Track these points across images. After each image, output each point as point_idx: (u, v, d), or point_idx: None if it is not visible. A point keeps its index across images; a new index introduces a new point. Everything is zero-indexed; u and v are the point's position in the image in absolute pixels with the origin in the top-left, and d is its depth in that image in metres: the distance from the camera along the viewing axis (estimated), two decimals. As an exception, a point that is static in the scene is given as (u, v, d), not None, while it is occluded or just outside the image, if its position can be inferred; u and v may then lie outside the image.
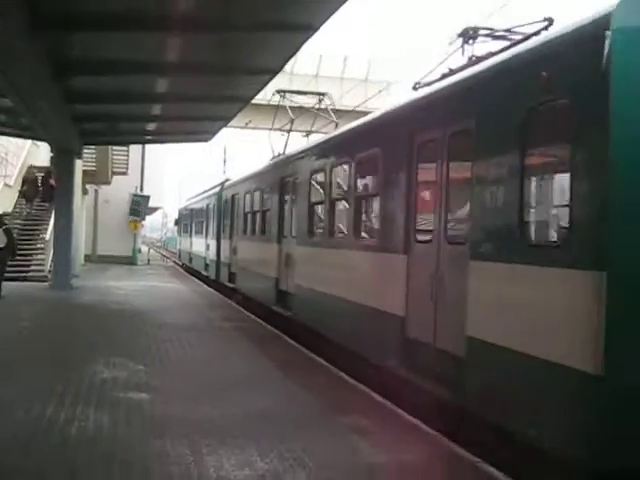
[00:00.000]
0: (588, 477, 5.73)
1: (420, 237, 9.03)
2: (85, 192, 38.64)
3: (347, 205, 12.12)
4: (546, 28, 7.94)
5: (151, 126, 22.77)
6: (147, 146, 47.33)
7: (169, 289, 26.07)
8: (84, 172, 34.78)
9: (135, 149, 42.00)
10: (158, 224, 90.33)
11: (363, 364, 10.58)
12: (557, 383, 5.94)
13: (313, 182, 14.40)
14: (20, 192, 31.96)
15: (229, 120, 22.16)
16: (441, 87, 9.12)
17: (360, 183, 11.83)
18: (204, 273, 30.88)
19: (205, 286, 28.49)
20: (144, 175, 47.58)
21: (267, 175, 19.24)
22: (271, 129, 24.87)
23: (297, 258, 15.28)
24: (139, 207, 43.87)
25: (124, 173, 40.70)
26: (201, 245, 32.21)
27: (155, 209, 61.84)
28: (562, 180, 6.56)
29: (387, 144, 10.29)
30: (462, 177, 8.23)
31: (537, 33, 7.99)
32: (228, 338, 14.25)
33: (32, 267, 27.21)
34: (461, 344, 7.47)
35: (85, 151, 33.55)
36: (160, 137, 25.78)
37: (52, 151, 24.22)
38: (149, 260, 47.36)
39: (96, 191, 42.76)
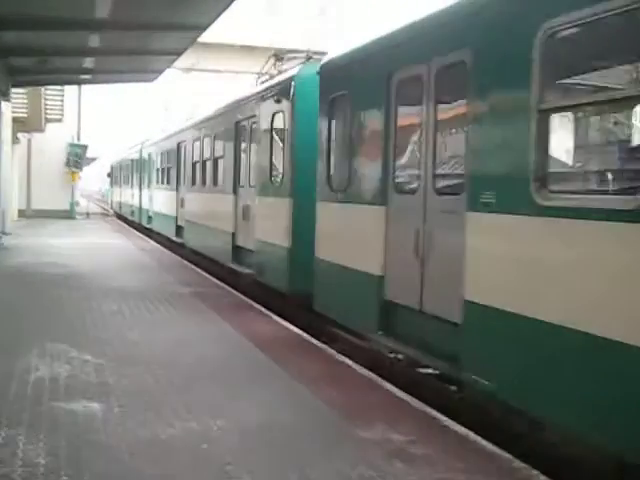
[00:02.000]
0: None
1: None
2: (16, 141, 35.40)
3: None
4: None
5: (88, 62, 19.89)
6: (84, 92, 44.19)
7: (113, 246, 23.44)
8: (14, 119, 31.58)
9: (71, 94, 38.77)
10: (96, 175, 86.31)
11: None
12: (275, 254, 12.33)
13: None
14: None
15: (177, 55, 19.43)
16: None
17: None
18: (144, 224, 30.52)
19: (152, 242, 25.97)
20: (81, 123, 44.29)
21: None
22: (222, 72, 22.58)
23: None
24: (76, 157, 40.65)
25: (59, 120, 37.53)
26: (139, 197, 32.43)
27: (93, 159, 58.41)
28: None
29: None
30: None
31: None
32: (189, 308, 11.89)
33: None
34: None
35: (15, 95, 30.46)
36: (99, 76, 22.83)
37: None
38: (88, 214, 44.29)
39: (29, 140, 39.48)
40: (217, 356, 8.64)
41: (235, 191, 15.43)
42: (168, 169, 24.34)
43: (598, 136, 7.66)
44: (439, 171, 7.55)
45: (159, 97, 59.71)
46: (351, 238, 9.39)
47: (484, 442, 5.99)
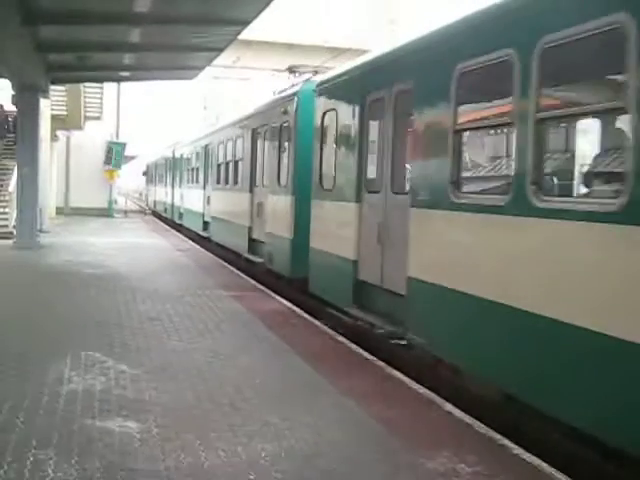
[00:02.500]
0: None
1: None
2: (55, 139, 35.33)
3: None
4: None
5: (128, 58, 19.48)
6: (123, 91, 44.06)
7: (150, 246, 23.05)
8: (54, 117, 31.58)
9: (110, 92, 38.66)
10: (135, 173, 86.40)
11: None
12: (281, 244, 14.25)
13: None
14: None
15: (218, 52, 18.92)
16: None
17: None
18: (176, 220, 32.15)
19: (190, 242, 25.56)
20: (120, 121, 44.15)
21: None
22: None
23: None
24: (115, 155, 40.46)
25: (98, 118, 37.43)
26: (171, 195, 34.31)
27: (132, 157, 58.39)
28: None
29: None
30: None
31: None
32: (231, 315, 11.33)
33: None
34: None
35: (54, 93, 30.33)
36: (138, 73, 22.43)
37: (13, 88, 20.86)
38: (126, 212, 44.12)
39: (68, 138, 39.38)
40: (262, 369, 8.06)
41: (251, 190, 17.26)
42: (197, 169, 26.48)
43: (489, 151, 9.97)
44: (395, 175, 9.46)
45: (198, 95, 59.44)
46: (335, 229, 11.27)
47: (554, 471, 5.38)
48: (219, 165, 21.71)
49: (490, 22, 6.99)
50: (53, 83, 22.69)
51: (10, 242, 20.87)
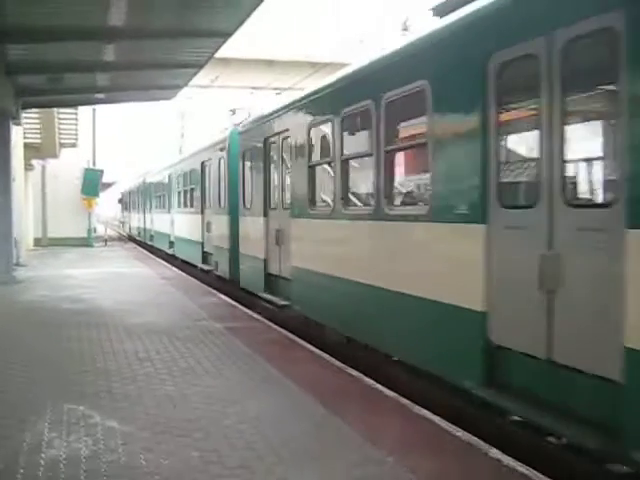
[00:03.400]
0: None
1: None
2: (30, 167, 34.11)
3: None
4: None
5: (103, 79, 18.42)
6: (99, 115, 42.95)
7: (134, 276, 21.86)
8: (28, 146, 30.46)
9: (85, 119, 37.48)
10: (114, 201, 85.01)
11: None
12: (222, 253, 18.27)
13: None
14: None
15: (198, 68, 17.91)
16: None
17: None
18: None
19: (175, 269, 24.43)
20: (96, 147, 43.01)
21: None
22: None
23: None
24: (92, 183, 39.23)
25: (73, 145, 36.25)
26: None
27: (110, 184, 57.14)
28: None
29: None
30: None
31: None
32: (229, 351, 10.25)
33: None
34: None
35: (27, 121, 29.17)
36: (114, 94, 21.32)
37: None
38: (106, 241, 42.82)
39: (43, 167, 38.14)
40: (273, 417, 6.98)
41: (202, 212, 21.08)
42: (163, 196, 30.63)
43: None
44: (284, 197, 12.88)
45: (175, 118, 58.42)
46: (252, 237, 14.69)
47: None
48: (179, 192, 25.59)
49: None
50: (24, 108, 21.53)
51: (-16, 278, 19.61)
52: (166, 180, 29.49)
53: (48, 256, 30.52)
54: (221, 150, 18.29)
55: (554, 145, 5.65)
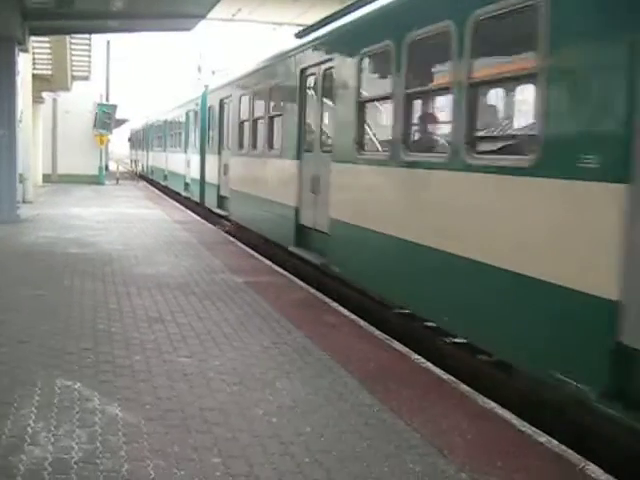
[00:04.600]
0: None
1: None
2: (40, 100, 32.59)
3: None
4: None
5: (117, 2, 16.81)
6: (112, 52, 41.30)
7: (145, 218, 20.52)
8: (38, 77, 28.94)
9: (99, 52, 35.89)
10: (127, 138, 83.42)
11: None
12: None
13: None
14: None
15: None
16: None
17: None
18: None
19: (188, 211, 23.12)
20: (110, 82, 41.42)
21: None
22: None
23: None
24: (105, 118, 37.73)
25: (86, 78, 34.64)
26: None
27: (123, 121, 55.53)
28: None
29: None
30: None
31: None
32: (251, 311, 8.95)
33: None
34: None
35: (37, 51, 27.63)
36: (129, 22, 19.68)
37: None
38: (118, 179, 41.44)
39: (54, 100, 36.60)
40: (309, 404, 5.66)
41: (185, 151, 26.50)
42: (160, 137, 36.45)
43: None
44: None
45: (192, 54, 56.53)
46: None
47: None
48: (171, 135, 31.43)
49: None
50: (33, 34, 19.96)
51: (-14, 216, 18.33)
52: (163, 125, 33.59)
53: (57, 193, 29.26)
54: (196, 105, 22.80)
55: None
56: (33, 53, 26.79)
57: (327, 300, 9.92)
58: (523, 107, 6.97)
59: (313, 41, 11.55)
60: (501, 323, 6.13)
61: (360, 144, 9.38)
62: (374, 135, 9.67)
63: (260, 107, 14.76)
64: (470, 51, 6.53)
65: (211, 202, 20.45)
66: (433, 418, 5.52)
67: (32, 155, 26.13)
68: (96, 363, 6.46)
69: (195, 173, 23.31)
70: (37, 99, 30.68)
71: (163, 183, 33.61)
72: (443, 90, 7.57)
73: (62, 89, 33.78)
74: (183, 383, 6.03)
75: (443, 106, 7.66)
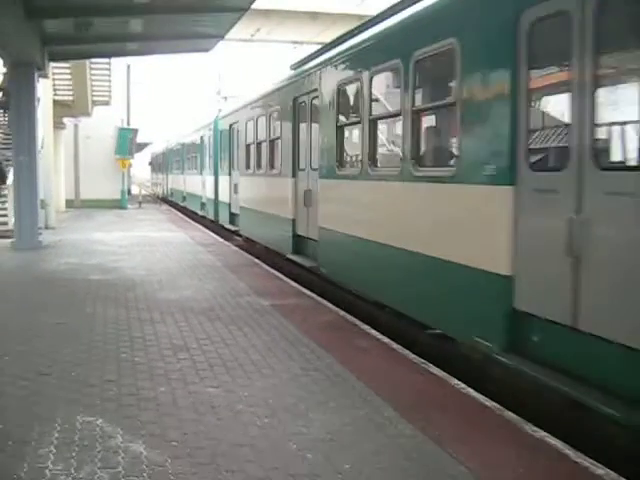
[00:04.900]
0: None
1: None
2: (62, 126, 32.61)
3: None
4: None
5: (136, 24, 16.65)
6: (133, 75, 41.37)
7: (169, 241, 20.27)
8: (59, 103, 28.94)
9: (119, 76, 35.90)
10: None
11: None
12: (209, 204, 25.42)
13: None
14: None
15: (241, 12, 16.06)
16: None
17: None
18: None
19: (213, 234, 22.86)
20: (130, 106, 41.46)
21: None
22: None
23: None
24: (127, 142, 37.71)
25: (107, 103, 34.63)
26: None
27: (144, 145, 55.66)
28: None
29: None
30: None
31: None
32: (281, 338, 8.59)
33: (-2, 218, 21.62)
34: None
35: (58, 77, 27.68)
36: (148, 44, 19.50)
37: (5, 65, 18.19)
38: (140, 202, 41.38)
39: (75, 125, 36.62)
40: (348, 442, 5.28)
41: (201, 173, 28.24)
42: (178, 161, 38.46)
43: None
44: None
45: (211, 77, 56.62)
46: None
47: None
48: (188, 158, 33.34)
49: None
50: (52, 60, 19.88)
51: (9, 242, 18.16)
52: (181, 148, 35.84)
53: (79, 218, 29.15)
54: (209, 130, 25.64)
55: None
56: (53, 79, 26.79)
57: (357, 322, 9.55)
58: (450, 130, 8.07)
59: (302, 73, 13.22)
60: (440, 303, 7.70)
61: (340, 162, 11.08)
62: (348, 154, 11.26)
63: (262, 132, 16.31)
64: (412, 84, 8.29)
65: (224, 219, 22.29)
66: (479, 449, 5.13)
67: (54, 181, 26.05)
68: (119, 396, 6.13)
69: (210, 193, 25.09)
70: (58, 125, 30.68)
71: (182, 204, 35.66)
72: (396, 116, 9.14)
73: (83, 114, 33.78)
74: (211, 416, 5.69)
75: (397, 129, 9.17)
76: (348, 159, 11.23)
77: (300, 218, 13.30)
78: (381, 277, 9.39)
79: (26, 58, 17.19)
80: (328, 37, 25.35)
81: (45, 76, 19.73)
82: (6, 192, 21.54)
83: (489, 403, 6.24)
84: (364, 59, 9.92)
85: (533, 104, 6.49)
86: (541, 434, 5.49)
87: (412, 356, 7.82)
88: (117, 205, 37.03)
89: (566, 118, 5.82)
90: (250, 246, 18.36)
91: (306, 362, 7.37)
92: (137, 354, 7.58)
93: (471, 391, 6.58)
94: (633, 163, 5.58)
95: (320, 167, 11.82)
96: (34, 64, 17.59)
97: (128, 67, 37.17)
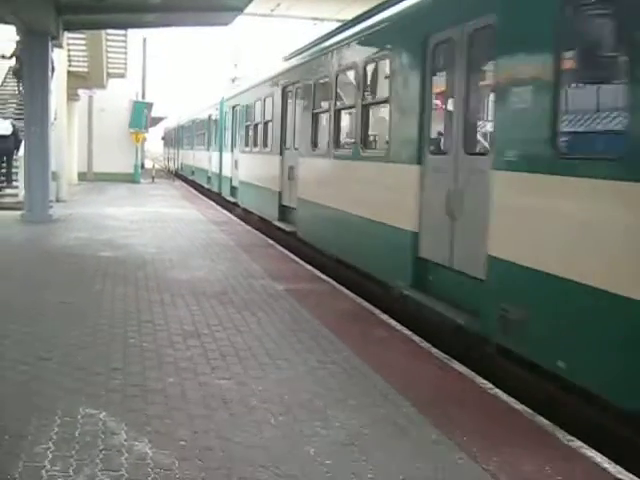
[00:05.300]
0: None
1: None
2: (76, 98, 32.21)
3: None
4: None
5: (153, -5, 16.16)
6: (149, 47, 40.85)
7: (181, 218, 19.90)
8: (73, 74, 28.51)
9: (135, 48, 35.45)
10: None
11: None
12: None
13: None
14: (11, 69, 25.08)
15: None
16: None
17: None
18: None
19: (225, 212, 22.48)
20: (146, 79, 40.99)
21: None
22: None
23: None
24: (141, 116, 37.28)
25: (122, 75, 34.16)
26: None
27: (159, 119, 55.21)
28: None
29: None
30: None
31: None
32: (297, 326, 8.21)
33: (8, 189, 21.28)
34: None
35: (73, 47, 27.23)
36: (165, 16, 18.95)
37: (18, 33, 17.75)
38: (154, 177, 41.02)
39: (90, 97, 36.21)
40: (371, 446, 4.88)
41: (208, 149, 29.65)
42: (189, 137, 39.87)
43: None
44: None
45: (228, 51, 56.01)
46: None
47: None
48: (197, 135, 34.97)
49: None
50: (67, 29, 19.42)
51: (18, 214, 17.81)
52: (191, 125, 38.11)
53: (92, 192, 28.84)
54: (215, 110, 27.50)
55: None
56: (68, 50, 26.35)
57: (375, 310, 9.16)
58: (384, 121, 10.25)
59: (289, 66, 15.55)
60: (376, 255, 9.94)
61: (314, 143, 13.10)
62: (320, 137, 12.94)
63: (259, 114, 18.50)
64: (362, 85, 10.62)
65: (226, 192, 24.16)
66: (511, 459, 4.74)
67: (66, 153, 25.69)
68: (125, 386, 5.76)
69: (215, 168, 26.87)
70: (72, 96, 30.29)
71: (190, 178, 37.67)
72: (351, 108, 11.38)
73: (98, 86, 33.34)
74: (223, 411, 5.31)
75: (352, 119, 11.45)
76: (319, 141, 12.95)
77: (285, 190, 15.39)
78: (340, 237, 11.57)
79: (40, 27, 16.77)
80: (349, 14, 24.73)
81: (60, 46, 19.31)
82: (17, 163, 21.17)
83: (519, 406, 5.83)
84: (328, 63, 12.29)
85: (436, 106, 8.70)
86: (577, 444, 5.09)
87: (434, 350, 7.42)
88: (130, 179, 36.68)
89: (452, 117, 7.87)
90: (247, 216, 20.23)
91: (323, 354, 6.99)
92: (145, 339, 7.21)
93: (498, 392, 6.18)
94: (483, 151, 7.65)
95: (299, 147, 14.00)
96: (48, 33, 17.18)
97: (144, 40, 36.71)
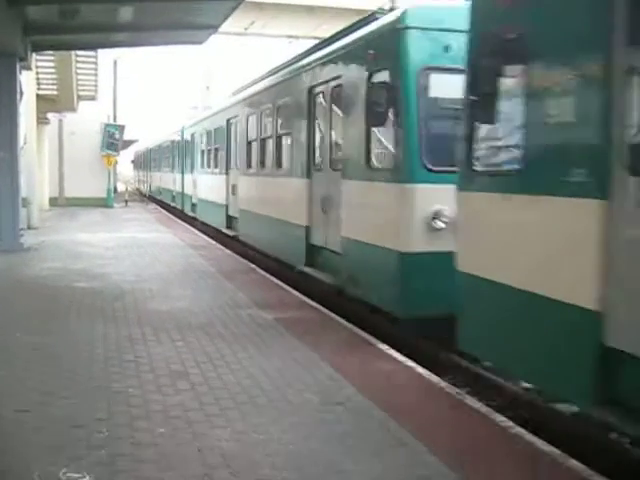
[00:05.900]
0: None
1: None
2: (46, 121, 31.46)
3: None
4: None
5: (125, 12, 15.58)
6: (119, 70, 40.21)
7: (157, 243, 19.21)
8: (43, 97, 27.88)
9: (105, 71, 34.70)
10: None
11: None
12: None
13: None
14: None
15: (237, 1, 15.06)
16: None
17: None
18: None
19: (203, 236, 21.83)
20: (117, 102, 40.31)
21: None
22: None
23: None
24: (113, 139, 36.53)
25: (93, 98, 33.48)
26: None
27: (131, 142, 54.43)
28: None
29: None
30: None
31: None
32: (293, 362, 7.61)
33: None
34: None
35: (42, 70, 26.55)
36: (137, 35, 18.42)
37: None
38: (127, 201, 40.24)
39: (60, 121, 35.49)
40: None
41: (172, 171, 33.28)
42: (161, 159, 41.16)
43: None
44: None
45: (200, 72, 55.51)
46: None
47: None
48: (163, 158, 38.17)
49: None
50: (35, 50, 18.78)
51: (-12, 244, 17.03)
52: (160, 149, 40.73)
53: (64, 218, 28.05)
54: (177, 135, 30.99)
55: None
56: (37, 73, 25.71)
57: (372, 340, 8.58)
58: (290, 147, 13.66)
59: (231, 103, 19.58)
60: (284, 245, 13.57)
61: (248, 164, 16.61)
62: (253, 159, 16.27)
63: (211, 141, 22.25)
64: (276, 121, 14.17)
65: (187, 208, 27.82)
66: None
67: (37, 178, 24.94)
68: (110, 441, 5.12)
69: (179, 188, 30.56)
70: (42, 120, 29.58)
71: (158, 197, 41.93)
72: (270, 138, 14.73)
73: (68, 109, 32.63)
74: (223, 470, 4.69)
75: (270, 145, 14.76)
76: (252, 163, 16.41)
77: (230, 203, 18.85)
78: (264, 236, 15.15)
79: (7, 48, 16.08)
80: (325, 32, 24.34)
81: (28, 68, 18.68)
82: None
83: (547, 448, 5.28)
84: (255, 103, 16.08)
85: (315, 141, 11.99)
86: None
87: (443, 384, 6.86)
88: (103, 203, 35.88)
89: (323, 146, 11.75)
90: (204, 228, 23.83)
91: (325, 393, 6.39)
92: (130, 383, 6.56)
93: (522, 430, 5.63)
94: (339, 167, 10.77)
95: (239, 167, 17.63)
96: (16, 54, 16.50)
97: (115, 62, 35.96)
